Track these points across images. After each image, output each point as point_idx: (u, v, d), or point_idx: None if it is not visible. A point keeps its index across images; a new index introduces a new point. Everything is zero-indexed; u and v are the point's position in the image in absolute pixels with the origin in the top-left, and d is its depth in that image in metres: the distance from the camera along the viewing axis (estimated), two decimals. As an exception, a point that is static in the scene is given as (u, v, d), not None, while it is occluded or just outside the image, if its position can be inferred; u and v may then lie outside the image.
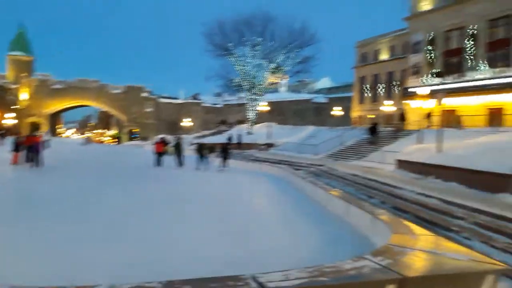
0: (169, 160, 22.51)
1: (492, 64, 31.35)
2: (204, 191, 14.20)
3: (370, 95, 49.88)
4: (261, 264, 5.56)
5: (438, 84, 32.84)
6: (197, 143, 24.25)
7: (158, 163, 21.39)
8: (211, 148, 25.28)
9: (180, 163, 21.70)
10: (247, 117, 46.08)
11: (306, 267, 4.06)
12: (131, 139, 66.01)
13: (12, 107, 57.82)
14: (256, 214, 10.59)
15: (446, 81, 33.66)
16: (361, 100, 51.47)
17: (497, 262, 4.98)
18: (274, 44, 44.67)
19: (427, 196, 10.98)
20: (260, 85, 45.02)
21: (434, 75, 32.37)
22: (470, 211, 9.10)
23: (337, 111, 51.23)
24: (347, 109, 53.91)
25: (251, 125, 45.45)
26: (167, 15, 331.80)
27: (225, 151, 21.71)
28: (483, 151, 14.07)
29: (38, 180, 14.81)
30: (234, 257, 6.53)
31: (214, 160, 22.85)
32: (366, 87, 50.21)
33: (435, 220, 8.77)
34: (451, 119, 30.56)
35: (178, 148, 22.65)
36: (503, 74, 29.11)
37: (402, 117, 29.13)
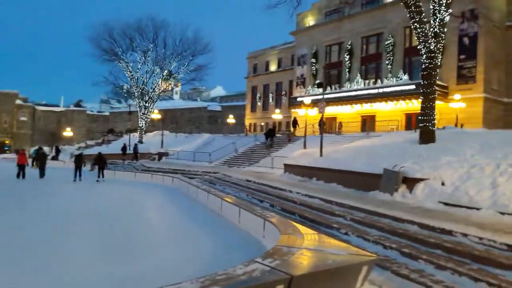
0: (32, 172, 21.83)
1: (365, 76, 35.32)
2: (84, 205, 13.08)
3: (261, 104, 52.01)
4: (152, 282, 5.27)
5: (319, 94, 35.77)
6: (76, 155, 23.45)
7: (22, 175, 21.00)
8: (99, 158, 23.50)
9: (42, 175, 21.69)
10: (138, 125, 44.05)
11: (198, 278, 3.91)
12: (2, 151, 57.92)
13: None
14: (144, 228, 10.06)
15: (327, 92, 36.88)
16: (253, 108, 53.37)
17: (370, 254, 5.46)
18: (166, 51, 43.75)
19: (310, 197, 11.71)
20: (152, 92, 43.51)
21: (316, 86, 35.17)
22: (347, 209, 9.94)
23: (230, 119, 52.23)
24: (240, 117, 55.36)
25: (142, 133, 43.55)
26: (46, 14, 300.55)
27: (100, 161, 21.84)
28: (357, 154, 15.64)
29: None
30: (121, 277, 6.07)
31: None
32: (258, 96, 52.24)
33: (318, 219, 9.38)
34: (332, 126, 33.64)
35: (41, 159, 22.51)
36: (374, 86, 32.99)
37: (294, 123, 30.93)
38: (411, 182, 11.45)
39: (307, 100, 22.54)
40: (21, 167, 20.95)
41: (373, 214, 9.10)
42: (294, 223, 8.00)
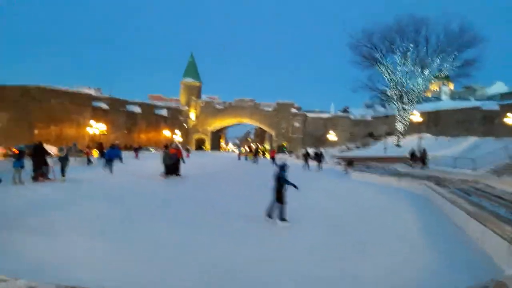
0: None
1: None
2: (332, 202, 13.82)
3: (556, 99, 40.67)
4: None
5: None
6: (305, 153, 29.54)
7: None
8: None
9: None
10: (396, 128, 42.95)
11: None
12: (282, 152, 69.01)
13: (183, 125, 67.75)
14: (372, 232, 9.71)
15: None
16: (544, 105, 42.40)
17: None
18: (428, 49, 40.80)
19: None
20: (411, 93, 41.56)
21: None
22: None
23: (510, 118, 43.33)
24: (524, 117, 45.00)
25: (400, 137, 42.15)
26: (307, 30, 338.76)
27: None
28: None
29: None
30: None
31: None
32: (552, 89, 41.15)
33: None
34: None
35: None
36: None
37: None
38: None
39: None
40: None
41: None
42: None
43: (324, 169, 31.72)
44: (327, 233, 9.38)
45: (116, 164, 21.60)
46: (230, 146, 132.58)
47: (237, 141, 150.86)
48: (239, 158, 42.26)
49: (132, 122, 59.09)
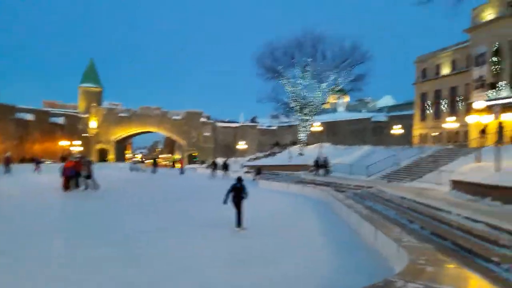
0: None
1: None
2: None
3: (431, 112, 46.96)
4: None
5: (505, 98, 29.98)
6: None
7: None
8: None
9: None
10: (298, 138, 45.39)
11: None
12: (193, 162, 68.05)
13: (82, 135, 62.81)
14: (273, 237, 10.04)
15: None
16: (423, 117, 48.65)
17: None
18: (325, 64, 44.04)
19: (474, 221, 9.65)
20: (311, 105, 44.31)
21: (489, 88, 29.40)
22: (520, 239, 7.79)
23: (396, 129, 48.80)
24: (408, 128, 51.10)
25: (303, 146, 44.63)
26: (221, 41, 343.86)
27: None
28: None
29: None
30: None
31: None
32: (428, 104, 47.40)
33: (475, 249, 7.58)
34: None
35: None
36: None
37: (483, 131, 26.26)
38: None
39: (480, 104, 19.11)
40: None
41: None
42: (435, 252, 6.73)
43: (232, 177, 32.25)
44: (231, 241, 9.58)
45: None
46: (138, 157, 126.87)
47: (145, 151, 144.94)
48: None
49: (24, 131, 52.98)
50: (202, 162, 62.21)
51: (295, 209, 15.28)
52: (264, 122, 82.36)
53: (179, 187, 24.08)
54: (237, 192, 10.86)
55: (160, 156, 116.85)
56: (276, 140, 65.30)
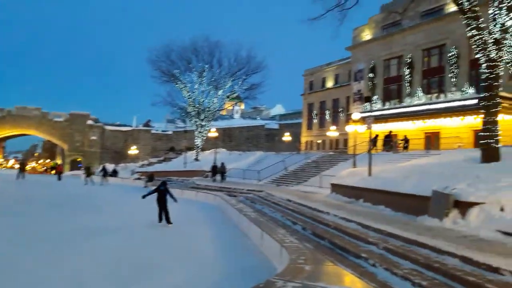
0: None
1: (427, 91, 32.98)
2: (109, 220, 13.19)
3: (317, 121, 50.92)
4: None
5: (379, 110, 34.05)
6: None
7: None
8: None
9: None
10: (195, 143, 45.09)
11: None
12: (77, 168, 62.55)
13: None
14: (163, 246, 9.79)
15: (386, 107, 34.98)
16: (309, 126, 52.40)
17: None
18: (221, 71, 44.63)
19: (348, 220, 10.67)
20: (208, 111, 44.42)
21: (364, 101, 33.36)
22: (385, 236, 8.82)
23: (286, 136, 51.72)
24: (297, 135, 54.59)
25: (198, 151, 44.44)
26: (113, 40, 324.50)
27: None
28: (410, 174, 14.20)
29: None
30: None
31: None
32: (314, 114, 51.27)
33: (348, 247, 8.38)
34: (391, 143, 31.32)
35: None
36: (437, 100, 30.64)
37: (388, 137, 28.98)
38: (464, 207, 9.97)
39: (356, 115, 21.36)
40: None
41: (412, 243, 7.93)
42: (315, 252, 7.22)
43: (123, 184, 30.64)
44: (118, 249, 9.04)
45: None
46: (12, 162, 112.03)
47: (20, 156, 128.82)
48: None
49: None
50: (87, 169, 57.76)
51: (187, 215, 15.06)
52: (159, 127, 79.99)
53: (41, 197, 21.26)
54: (161, 194, 12.71)
55: (38, 162, 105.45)
56: (171, 145, 63.82)
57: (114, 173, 32.52)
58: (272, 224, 10.43)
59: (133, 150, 55.91)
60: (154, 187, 14.28)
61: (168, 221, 12.63)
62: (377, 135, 29.53)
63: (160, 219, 12.70)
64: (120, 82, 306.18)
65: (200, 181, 30.51)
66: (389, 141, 28.65)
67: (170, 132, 70.31)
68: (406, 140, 28.53)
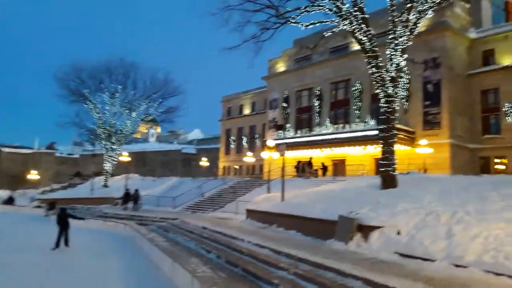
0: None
1: (335, 121, 35.53)
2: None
3: (235, 146, 51.54)
4: None
5: (292, 138, 35.65)
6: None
7: None
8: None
9: None
10: (104, 168, 42.34)
11: None
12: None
13: None
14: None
15: (297, 135, 36.81)
16: (227, 151, 52.78)
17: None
18: (136, 93, 43.18)
19: (261, 246, 10.80)
20: (120, 134, 42.27)
21: (277, 129, 34.92)
22: (295, 261, 9.07)
23: (204, 162, 51.35)
24: (214, 160, 54.47)
25: (108, 177, 41.74)
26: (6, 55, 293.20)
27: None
28: (318, 199, 14.95)
29: None
30: None
31: None
32: (232, 139, 51.87)
33: (260, 273, 8.44)
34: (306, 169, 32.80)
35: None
36: (342, 130, 33.12)
37: (309, 164, 29.69)
38: (366, 230, 10.73)
39: (271, 142, 22.12)
40: None
41: (320, 267, 8.26)
42: (228, 281, 7.12)
43: (21, 213, 27.52)
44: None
45: None
46: None
47: None
48: None
49: None
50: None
51: (92, 246, 13.94)
52: (64, 150, 74.25)
53: None
54: (60, 219, 13.33)
55: None
56: (77, 170, 59.27)
57: (10, 201, 28.99)
58: (185, 254, 10.10)
59: (33, 175, 50.70)
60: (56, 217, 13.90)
61: (67, 243, 13.10)
62: (299, 161, 30.90)
63: (57, 245, 12.83)
64: (20, 100, 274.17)
65: (109, 209, 28.62)
66: (310, 167, 29.96)
67: (76, 156, 65.58)
68: (324, 167, 30.21)
